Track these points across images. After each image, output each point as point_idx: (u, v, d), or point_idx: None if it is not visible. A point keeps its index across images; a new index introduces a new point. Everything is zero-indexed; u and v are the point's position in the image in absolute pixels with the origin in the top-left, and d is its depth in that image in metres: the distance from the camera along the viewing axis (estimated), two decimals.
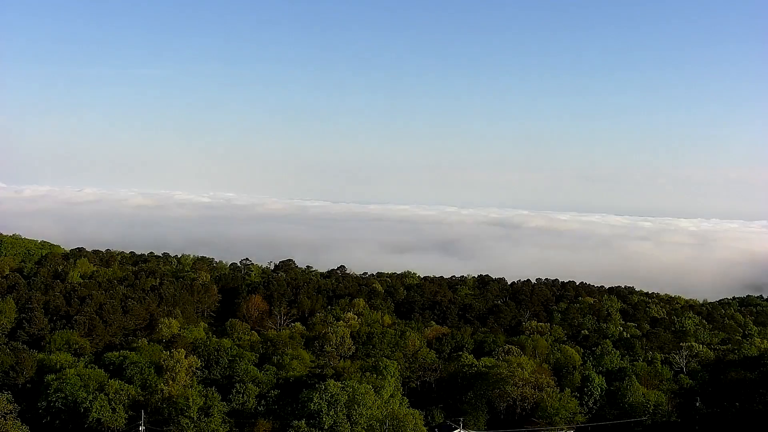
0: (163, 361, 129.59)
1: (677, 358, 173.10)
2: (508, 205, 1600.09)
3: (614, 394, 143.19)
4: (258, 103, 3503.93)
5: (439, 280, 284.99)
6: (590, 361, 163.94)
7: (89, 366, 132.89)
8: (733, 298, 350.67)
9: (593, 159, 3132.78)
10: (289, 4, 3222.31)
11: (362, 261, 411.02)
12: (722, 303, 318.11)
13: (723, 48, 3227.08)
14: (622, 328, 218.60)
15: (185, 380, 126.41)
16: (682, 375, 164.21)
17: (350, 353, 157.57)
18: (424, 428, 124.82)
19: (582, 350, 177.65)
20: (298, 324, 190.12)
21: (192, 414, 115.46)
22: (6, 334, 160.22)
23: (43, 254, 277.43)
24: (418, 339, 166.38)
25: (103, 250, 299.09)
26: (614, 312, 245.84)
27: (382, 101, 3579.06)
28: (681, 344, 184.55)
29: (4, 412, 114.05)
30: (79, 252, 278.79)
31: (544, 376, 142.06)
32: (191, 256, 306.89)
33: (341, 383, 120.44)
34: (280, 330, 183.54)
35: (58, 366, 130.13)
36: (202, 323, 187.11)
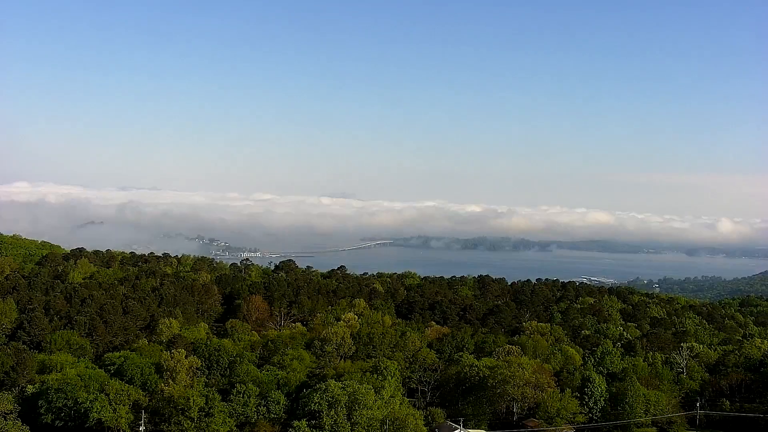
0: (164, 361, 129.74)
1: (678, 358, 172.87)
2: None
3: (615, 394, 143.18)
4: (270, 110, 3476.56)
5: (440, 281, 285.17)
6: (591, 361, 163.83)
7: (90, 367, 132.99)
8: (734, 298, 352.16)
9: None
10: (291, 8, 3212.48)
11: None
12: (723, 303, 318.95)
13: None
14: (622, 329, 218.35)
15: (186, 381, 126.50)
16: (682, 375, 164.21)
17: (351, 354, 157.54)
18: (425, 428, 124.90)
19: (582, 351, 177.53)
20: (298, 324, 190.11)
21: (192, 414, 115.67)
22: (7, 334, 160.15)
23: (44, 255, 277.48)
24: (418, 339, 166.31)
25: (104, 251, 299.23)
26: (614, 312, 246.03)
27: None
28: (681, 344, 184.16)
29: (5, 412, 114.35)
30: (79, 252, 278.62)
31: (544, 377, 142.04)
32: (191, 257, 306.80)
33: (342, 383, 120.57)
34: (280, 330, 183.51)
35: (59, 366, 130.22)
36: (202, 324, 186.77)
